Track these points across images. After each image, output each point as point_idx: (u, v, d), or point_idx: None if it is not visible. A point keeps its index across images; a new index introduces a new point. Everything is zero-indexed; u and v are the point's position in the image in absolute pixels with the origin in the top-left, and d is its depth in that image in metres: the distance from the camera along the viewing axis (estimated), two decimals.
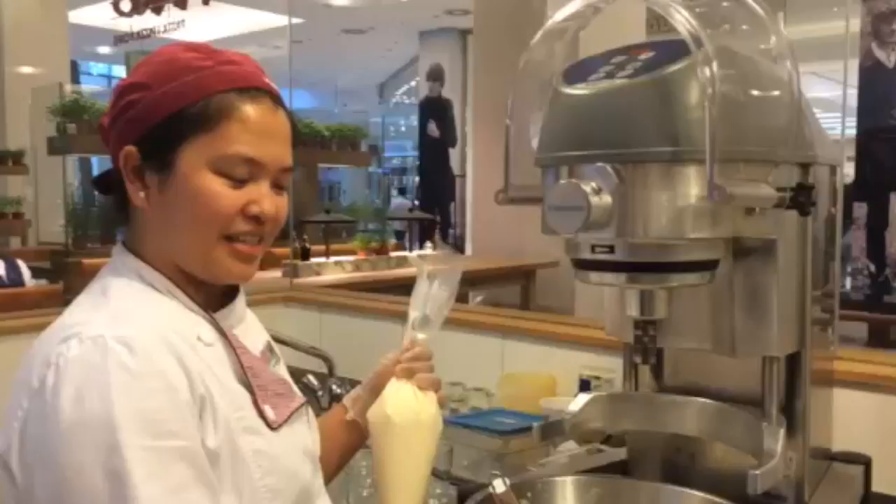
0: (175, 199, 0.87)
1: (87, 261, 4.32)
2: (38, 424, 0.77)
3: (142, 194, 0.88)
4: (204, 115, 0.86)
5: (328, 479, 1.11)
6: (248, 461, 0.85)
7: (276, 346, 1.04)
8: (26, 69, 6.66)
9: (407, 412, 0.98)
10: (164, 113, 0.86)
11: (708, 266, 1.05)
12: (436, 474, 1.26)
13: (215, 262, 0.88)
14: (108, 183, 0.95)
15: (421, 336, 1.04)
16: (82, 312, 0.85)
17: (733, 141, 0.95)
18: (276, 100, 0.91)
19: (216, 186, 0.86)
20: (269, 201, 0.89)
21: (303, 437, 0.97)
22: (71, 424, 0.75)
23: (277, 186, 0.91)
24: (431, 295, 1.02)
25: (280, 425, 0.90)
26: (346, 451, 1.12)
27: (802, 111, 1.03)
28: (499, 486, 0.92)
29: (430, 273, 1.03)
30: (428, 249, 4.93)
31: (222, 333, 0.90)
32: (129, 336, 0.79)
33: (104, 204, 5.23)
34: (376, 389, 1.04)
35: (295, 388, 1.00)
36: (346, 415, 1.10)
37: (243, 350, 0.91)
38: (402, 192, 10.57)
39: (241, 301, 0.99)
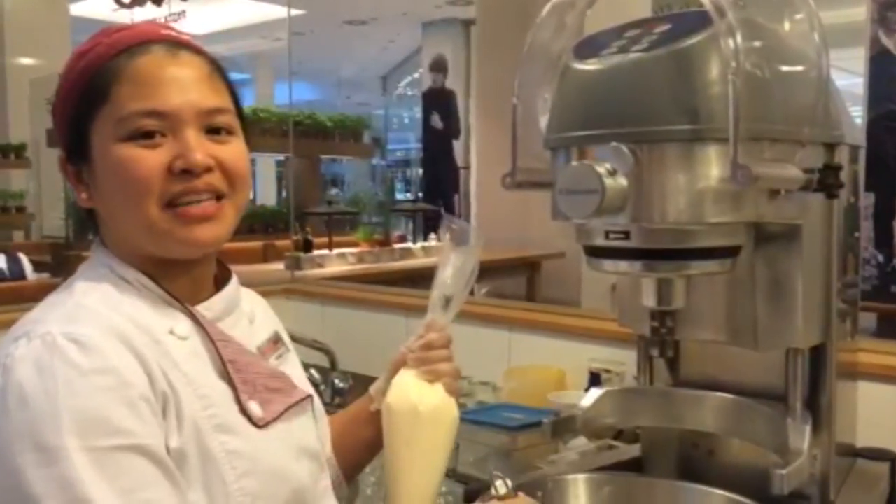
0: (104, 184, 0.83)
1: (86, 254, 4.28)
2: None
3: (84, 195, 0.86)
4: (95, 89, 0.81)
5: (354, 475, 1.07)
6: (220, 462, 0.79)
7: (286, 337, 0.99)
8: (28, 61, 6.63)
9: (404, 403, 0.94)
10: (69, 106, 0.84)
11: (729, 253, 0.99)
12: None
13: (162, 233, 0.81)
14: None
15: (440, 320, 0.98)
16: (39, 312, 0.81)
17: (758, 118, 0.89)
18: (173, 44, 0.84)
19: (129, 152, 0.79)
20: (199, 151, 0.80)
21: (301, 435, 0.91)
22: (17, 427, 0.70)
23: (214, 132, 0.83)
24: (458, 271, 0.96)
25: (269, 422, 0.84)
26: (373, 445, 1.05)
27: (829, 88, 0.97)
28: (500, 487, 0.86)
29: (457, 243, 0.96)
30: (433, 241, 4.88)
31: (200, 326, 0.85)
32: (79, 333, 0.74)
33: None
34: (392, 377, 0.99)
35: (301, 381, 0.94)
36: (371, 406, 1.04)
37: (224, 343, 0.85)
38: (406, 184, 10.53)
39: (232, 290, 0.92)
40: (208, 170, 0.81)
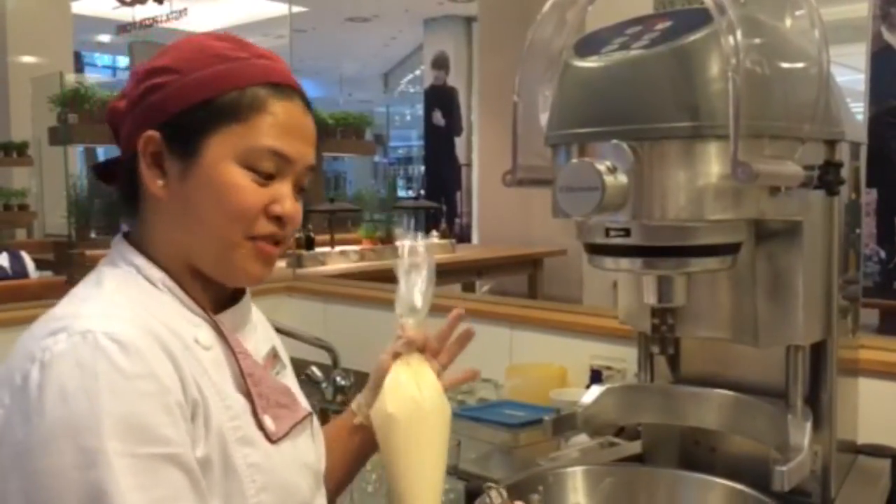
0: (197, 189, 0.82)
1: (89, 252, 4.29)
2: (19, 424, 0.71)
3: (160, 182, 0.83)
4: (237, 106, 0.82)
5: (338, 491, 1.06)
6: (242, 475, 0.79)
7: (283, 353, 0.99)
8: (30, 60, 6.62)
9: (408, 404, 0.93)
10: (195, 99, 0.82)
11: (729, 250, 0.99)
12: None
13: (235, 261, 0.84)
14: (112, 171, 0.90)
15: (410, 322, 0.99)
16: (73, 305, 0.79)
17: (758, 115, 0.89)
18: (306, 101, 0.88)
19: (242, 180, 0.82)
20: (291, 202, 0.85)
21: (305, 452, 0.91)
22: (53, 426, 0.69)
23: (298, 189, 0.88)
24: (411, 284, 0.98)
25: (280, 438, 0.84)
26: (357, 459, 1.06)
27: (829, 85, 0.97)
28: (495, 497, 0.86)
29: (408, 265, 0.98)
30: (434, 238, 4.88)
31: (222, 337, 0.85)
32: (121, 333, 0.73)
33: (107, 195, 5.20)
34: (377, 387, 0.99)
35: (300, 398, 0.94)
36: (355, 419, 1.04)
37: (244, 355, 0.85)
38: (408, 181, 10.52)
39: (247, 302, 0.93)
40: (291, 221, 0.86)
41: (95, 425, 0.69)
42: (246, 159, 0.82)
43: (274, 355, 0.96)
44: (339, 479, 1.05)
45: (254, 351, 0.89)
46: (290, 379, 0.98)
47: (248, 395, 0.83)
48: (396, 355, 0.98)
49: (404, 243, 0.99)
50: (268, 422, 0.83)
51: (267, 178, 0.83)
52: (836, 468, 1.12)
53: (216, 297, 0.88)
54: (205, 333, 0.83)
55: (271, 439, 0.83)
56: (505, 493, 0.87)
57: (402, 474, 0.93)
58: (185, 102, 0.82)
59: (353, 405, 1.06)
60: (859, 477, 1.19)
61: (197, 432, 0.76)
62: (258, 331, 0.95)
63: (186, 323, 0.83)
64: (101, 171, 0.92)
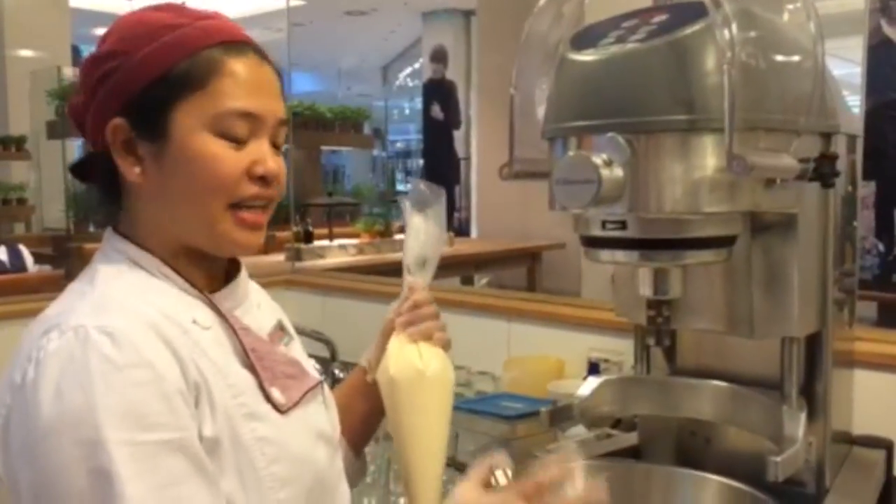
0: (174, 167, 0.81)
1: (87, 245, 4.29)
2: (20, 422, 0.72)
3: (136, 169, 0.82)
4: (193, 74, 0.80)
5: (358, 450, 1.06)
6: (251, 449, 0.80)
7: (289, 325, 0.99)
8: (28, 54, 6.61)
9: (409, 370, 0.93)
10: (150, 76, 0.80)
11: (725, 242, 1.00)
12: None
13: (222, 233, 0.83)
14: (88, 169, 0.89)
15: (419, 280, 0.98)
16: (66, 302, 0.80)
17: (753, 108, 0.90)
18: (261, 52, 0.86)
19: (217, 148, 0.81)
20: (272, 159, 0.84)
21: (317, 420, 0.91)
22: (51, 422, 0.70)
23: (275, 145, 0.86)
24: (424, 232, 0.96)
25: (290, 408, 0.85)
26: (372, 417, 1.05)
27: (825, 78, 0.97)
28: (500, 477, 0.87)
29: (418, 207, 0.96)
30: None
31: (221, 315, 0.85)
32: (112, 325, 0.74)
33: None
34: (384, 346, 0.99)
35: (309, 367, 0.94)
36: (368, 377, 1.04)
37: (245, 332, 0.86)
38: (407, 175, 10.52)
39: (243, 280, 0.93)
40: (275, 179, 0.84)
41: (92, 418, 0.69)
42: (216, 126, 0.81)
43: (280, 328, 0.96)
44: (357, 439, 1.05)
45: (256, 326, 0.90)
46: (298, 350, 0.98)
47: (252, 370, 0.84)
48: (401, 323, 0.96)
49: (416, 183, 0.96)
50: (276, 394, 0.84)
51: (241, 141, 0.82)
52: (831, 459, 1.12)
53: (212, 276, 0.89)
54: (203, 314, 0.83)
55: (280, 410, 0.84)
56: (511, 473, 0.87)
57: (405, 435, 0.94)
58: (141, 82, 0.80)
59: (364, 361, 1.06)
60: (854, 467, 1.20)
61: (203, 414, 0.77)
62: (262, 307, 0.96)
63: (183, 305, 0.83)
64: (79, 170, 0.91)
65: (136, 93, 0.81)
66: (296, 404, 0.86)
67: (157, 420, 0.72)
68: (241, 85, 0.82)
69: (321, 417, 0.93)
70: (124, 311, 0.77)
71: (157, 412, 0.72)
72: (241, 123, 0.82)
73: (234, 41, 0.84)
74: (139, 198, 0.85)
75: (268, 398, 0.83)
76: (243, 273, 0.94)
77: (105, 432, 0.69)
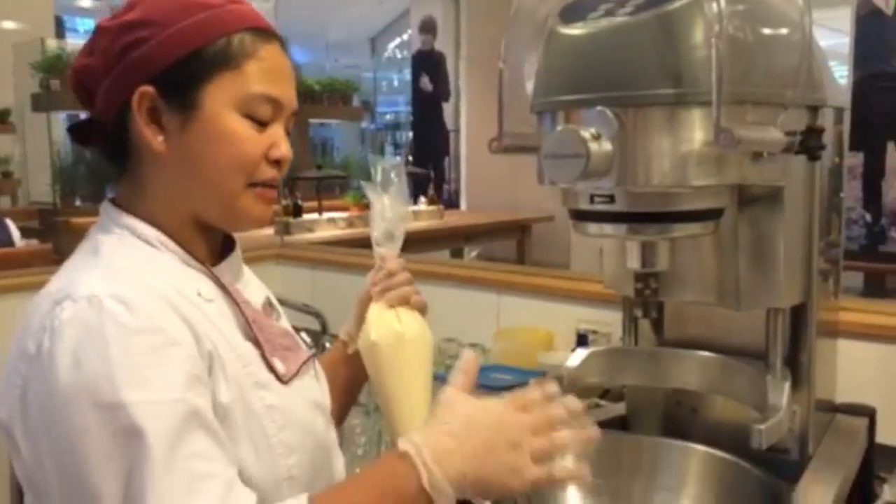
0: (199, 141, 0.83)
1: (74, 220, 4.26)
2: (39, 391, 0.73)
3: (160, 138, 0.83)
4: (227, 53, 0.83)
5: (339, 421, 1.09)
6: (262, 416, 0.82)
7: (276, 301, 1.01)
8: (10, 26, 6.50)
9: (390, 334, 0.97)
10: (184, 50, 0.82)
11: (712, 215, 1.01)
12: None
13: (241, 208, 0.86)
14: (88, 133, 0.89)
15: (388, 252, 1.02)
16: (74, 273, 0.81)
17: (741, 82, 0.90)
18: (282, 42, 0.89)
19: (242, 128, 0.84)
20: (286, 145, 0.88)
21: (312, 391, 0.95)
22: (71, 388, 0.71)
23: (286, 132, 0.90)
24: (389, 209, 1.00)
25: (290, 379, 0.88)
26: (353, 386, 1.10)
27: (812, 51, 0.97)
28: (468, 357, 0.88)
29: (382, 186, 1.01)
30: (422, 205, 4.88)
31: (223, 288, 0.87)
32: (125, 293, 0.75)
33: (92, 162, 5.15)
34: (361, 317, 1.02)
35: (300, 341, 0.97)
36: (348, 349, 1.07)
37: (246, 304, 0.88)
38: (396, 147, 10.47)
39: (238, 254, 0.95)
40: (286, 163, 0.88)
41: (110, 382, 0.70)
42: (243, 107, 0.84)
43: (269, 304, 0.98)
44: (339, 410, 1.08)
45: (253, 301, 0.92)
46: (285, 325, 1.00)
47: (255, 342, 0.86)
48: (377, 292, 1.00)
49: (378, 164, 1.01)
50: (277, 364, 0.86)
51: (263, 124, 0.85)
52: (815, 426, 1.15)
53: (210, 250, 0.90)
54: (206, 286, 0.85)
55: (282, 380, 0.86)
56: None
57: (389, 396, 0.97)
58: (175, 54, 0.82)
59: (343, 334, 1.09)
60: (837, 435, 1.22)
61: (216, 381, 0.79)
62: (252, 283, 0.98)
63: (187, 278, 0.84)
64: (76, 132, 0.91)
65: (169, 64, 0.82)
66: (294, 375, 0.89)
67: (172, 381, 0.73)
68: (268, 71, 0.85)
69: (315, 388, 0.96)
70: (134, 281, 0.78)
71: (173, 373, 0.74)
72: (265, 107, 0.85)
73: (263, 28, 0.87)
74: (154, 166, 0.85)
75: (270, 368, 0.86)
76: (238, 248, 0.95)
77: (124, 394, 0.71)
